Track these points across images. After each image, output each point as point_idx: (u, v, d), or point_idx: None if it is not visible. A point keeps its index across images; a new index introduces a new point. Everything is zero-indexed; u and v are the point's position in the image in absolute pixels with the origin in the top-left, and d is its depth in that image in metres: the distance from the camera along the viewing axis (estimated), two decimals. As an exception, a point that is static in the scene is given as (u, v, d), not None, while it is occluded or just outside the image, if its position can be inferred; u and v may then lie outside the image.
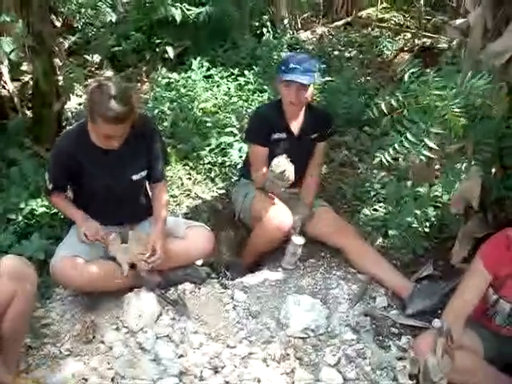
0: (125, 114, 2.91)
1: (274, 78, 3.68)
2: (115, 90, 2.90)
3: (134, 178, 3.27)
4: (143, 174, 3.31)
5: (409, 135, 2.33)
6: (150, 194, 3.48)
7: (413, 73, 2.52)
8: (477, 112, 2.56)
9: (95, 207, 3.26)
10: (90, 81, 3.03)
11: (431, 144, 2.33)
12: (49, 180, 3.22)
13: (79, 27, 6.83)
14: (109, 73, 3.08)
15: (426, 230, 3.86)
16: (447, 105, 2.33)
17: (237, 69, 6.13)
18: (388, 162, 2.36)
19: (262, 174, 3.60)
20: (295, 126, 3.73)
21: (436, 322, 2.50)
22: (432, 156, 2.40)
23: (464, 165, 2.80)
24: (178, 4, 6.38)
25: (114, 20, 6.27)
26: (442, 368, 2.45)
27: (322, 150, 3.88)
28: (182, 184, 4.47)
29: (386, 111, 2.47)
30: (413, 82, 2.50)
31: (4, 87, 4.95)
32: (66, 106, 5.01)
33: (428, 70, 2.54)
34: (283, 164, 3.34)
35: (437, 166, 3.37)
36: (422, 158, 2.35)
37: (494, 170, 3.04)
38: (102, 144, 3.09)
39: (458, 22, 3.08)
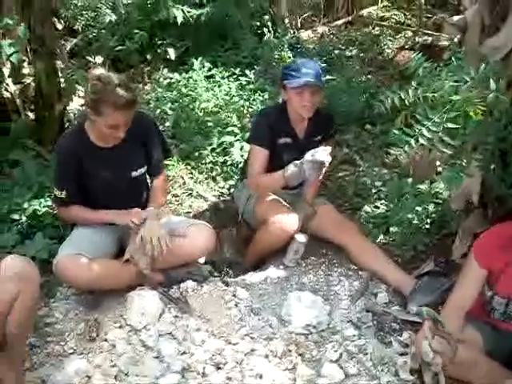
0: (133, 99, 3.02)
1: (281, 84, 3.62)
2: (117, 79, 3.00)
3: (134, 174, 3.33)
4: (142, 170, 3.37)
5: (425, 131, 2.31)
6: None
7: (425, 67, 2.52)
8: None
9: (97, 207, 3.29)
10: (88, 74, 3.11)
11: (448, 139, 2.32)
12: (59, 189, 3.22)
13: (80, 29, 6.89)
14: (99, 69, 3.14)
15: (427, 226, 3.88)
16: (466, 98, 2.32)
17: (238, 69, 6.15)
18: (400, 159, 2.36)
19: (271, 179, 3.56)
20: (300, 130, 3.74)
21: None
22: (447, 151, 2.39)
23: (464, 162, 2.81)
24: (179, 6, 6.40)
25: (115, 21, 6.31)
26: (434, 347, 2.49)
27: (324, 150, 3.90)
28: (184, 183, 4.51)
29: (399, 106, 2.46)
30: (425, 77, 2.49)
31: (6, 90, 4.97)
32: (68, 108, 5.05)
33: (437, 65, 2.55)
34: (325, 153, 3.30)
35: (437, 163, 3.39)
36: (445, 152, 2.35)
37: (493, 167, 3.05)
38: (106, 138, 3.15)
39: (456, 18, 3.09)
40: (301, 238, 3.55)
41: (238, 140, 4.83)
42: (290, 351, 2.98)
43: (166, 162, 4.28)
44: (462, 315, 2.74)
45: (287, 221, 3.52)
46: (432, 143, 2.33)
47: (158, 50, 6.66)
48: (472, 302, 2.77)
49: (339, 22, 8.27)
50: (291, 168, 3.36)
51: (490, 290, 2.77)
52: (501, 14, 2.81)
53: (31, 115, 4.93)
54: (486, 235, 2.79)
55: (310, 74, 3.48)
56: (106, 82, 2.98)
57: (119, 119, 3.03)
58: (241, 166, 4.40)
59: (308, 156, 3.29)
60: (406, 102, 2.48)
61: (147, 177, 3.51)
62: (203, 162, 4.73)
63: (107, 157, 3.23)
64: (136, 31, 6.66)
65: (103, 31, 6.91)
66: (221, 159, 4.74)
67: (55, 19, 4.81)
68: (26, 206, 3.74)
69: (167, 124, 5.14)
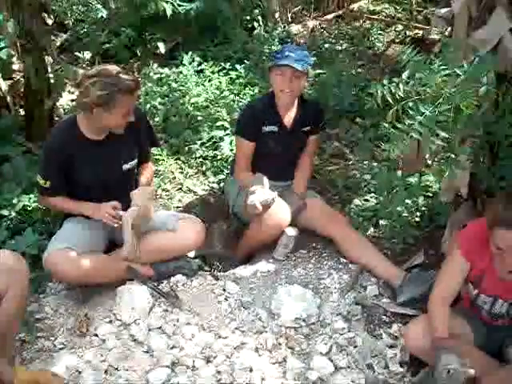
0: (137, 79, 3.14)
1: (269, 70, 3.67)
2: (113, 68, 3.07)
3: (125, 167, 3.33)
4: (133, 163, 3.38)
5: (418, 126, 2.30)
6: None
7: (416, 61, 2.51)
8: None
9: (87, 200, 3.28)
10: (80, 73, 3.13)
11: (442, 133, 2.31)
12: (43, 178, 3.21)
13: (70, 24, 6.85)
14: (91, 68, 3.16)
15: (417, 219, 3.90)
16: (459, 91, 2.31)
17: (228, 63, 6.12)
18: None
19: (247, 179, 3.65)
20: (288, 118, 3.74)
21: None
22: (442, 144, 2.38)
23: (452, 155, 2.81)
24: (168, -1, 6.38)
25: (105, 16, 6.28)
26: None
27: (314, 142, 3.88)
28: (174, 178, 4.51)
29: (391, 101, 2.45)
30: (417, 71, 2.47)
31: (-4, 85, 4.96)
32: (57, 103, 5.03)
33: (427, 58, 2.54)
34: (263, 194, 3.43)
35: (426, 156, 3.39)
36: (439, 144, 2.34)
37: (482, 160, 3.06)
38: (119, 125, 3.17)
39: (443, 10, 3.09)
40: (291, 231, 3.55)
41: (228, 134, 4.83)
42: (279, 344, 3.00)
43: (156, 157, 4.38)
44: (447, 307, 2.74)
45: (282, 215, 3.52)
46: (426, 137, 2.32)
47: (148, 45, 6.64)
48: (457, 291, 2.78)
49: (330, 16, 8.23)
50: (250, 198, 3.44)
51: (474, 289, 2.78)
52: (488, 5, 2.81)
53: (21, 111, 4.92)
54: (471, 229, 2.78)
55: (291, 58, 3.49)
56: (108, 74, 3.02)
57: (131, 103, 3.11)
58: (231, 160, 4.40)
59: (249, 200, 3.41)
60: (397, 96, 2.47)
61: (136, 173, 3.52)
62: (193, 156, 4.74)
63: (99, 150, 3.22)
64: (125, 27, 6.63)
65: (93, 26, 6.87)
66: (211, 154, 4.74)
67: (45, 14, 4.79)
68: (15, 201, 3.73)
69: (157, 119, 5.12)
